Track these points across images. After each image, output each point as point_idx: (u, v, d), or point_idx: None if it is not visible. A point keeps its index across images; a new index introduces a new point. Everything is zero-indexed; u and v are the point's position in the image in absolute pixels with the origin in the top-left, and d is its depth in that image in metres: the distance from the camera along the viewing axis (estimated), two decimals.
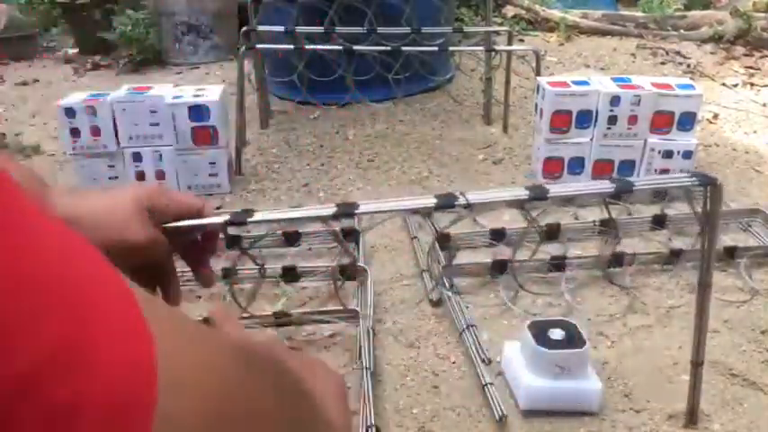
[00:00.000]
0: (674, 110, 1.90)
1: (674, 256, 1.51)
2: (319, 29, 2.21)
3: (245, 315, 1.30)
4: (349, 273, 1.47)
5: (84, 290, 0.22)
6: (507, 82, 2.34)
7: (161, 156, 1.97)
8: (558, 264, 1.49)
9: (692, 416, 1.07)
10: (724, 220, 1.53)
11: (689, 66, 3.21)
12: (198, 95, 1.96)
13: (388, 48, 2.20)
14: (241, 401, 0.28)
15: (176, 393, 0.23)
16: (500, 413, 1.07)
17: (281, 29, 2.24)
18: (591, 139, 1.94)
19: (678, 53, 3.39)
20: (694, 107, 1.90)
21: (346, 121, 2.52)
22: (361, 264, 1.49)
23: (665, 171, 1.94)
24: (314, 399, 0.40)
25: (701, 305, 0.97)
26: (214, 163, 1.99)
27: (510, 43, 2.47)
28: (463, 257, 1.54)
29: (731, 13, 3.60)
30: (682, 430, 1.08)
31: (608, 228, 1.57)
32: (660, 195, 1.79)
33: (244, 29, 2.33)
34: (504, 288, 1.45)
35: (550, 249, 1.55)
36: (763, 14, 3.60)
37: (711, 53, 3.39)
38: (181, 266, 0.70)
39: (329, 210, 0.78)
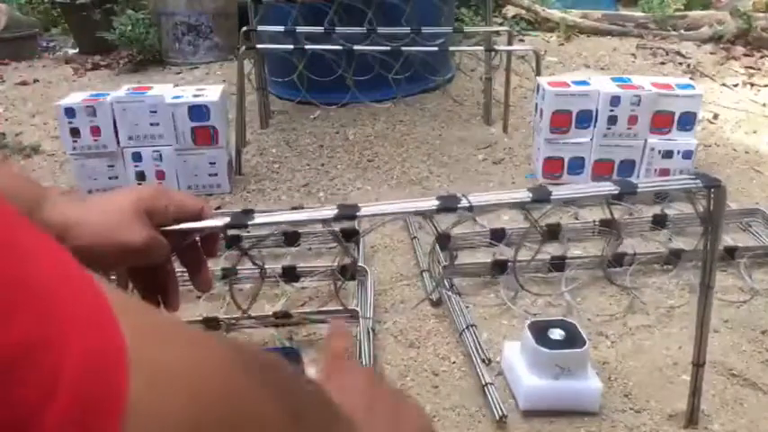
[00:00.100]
0: (674, 110, 1.90)
1: (674, 256, 1.51)
2: (319, 29, 2.21)
3: (244, 315, 1.30)
4: (349, 273, 1.47)
5: (51, 289, 0.22)
6: (507, 82, 2.34)
7: (161, 156, 1.97)
8: (558, 264, 1.49)
9: (693, 416, 1.07)
10: (724, 220, 1.52)
11: (689, 66, 3.21)
12: (198, 95, 1.96)
13: (388, 48, 2.20)
14: (239, 411, 0.28)
15: (153, 391, 0.23)
16: (500, 413, 1.07)
17: (281, 29, 2.24)
18: (591, 139, 1.94)
19: (678, 53, 3.39)
20: (694, 107, 1.90)
21: (346, 121, 2.52)
22: (361, 264, 1.49)
23: (665, 171, 1.94)
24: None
25: (703, 307, 0.96)
26: (214, 163, 1.99)
27: (510, 43, 2.47)
28: (463, 257, 1.54)
29: (731, 13, 3.60)
30: (682, 430, 1.08)
31: (610, 228, 1.57)
32: (661, 196, 1.79)
33: (244, 29, 2.34)
34: (504, 288, 1.45)
35: (550, 249, 1.55)
36: (763, 14, 3.60)
37: (711, 53, 3.39)
38: (180, 266, 0.70)
39: (330, 212, 0.77)
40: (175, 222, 0.62)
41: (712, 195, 0.88)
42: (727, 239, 1.61)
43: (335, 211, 0.77)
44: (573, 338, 1.09)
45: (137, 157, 1.97)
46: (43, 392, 0.20)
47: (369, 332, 1.26)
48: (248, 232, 1.53)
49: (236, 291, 1.37)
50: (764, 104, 2.68)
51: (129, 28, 3.55)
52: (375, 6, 2.30)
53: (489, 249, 1.61)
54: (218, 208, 1.90)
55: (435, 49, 2.29)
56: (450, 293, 1.40)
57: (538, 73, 2.23)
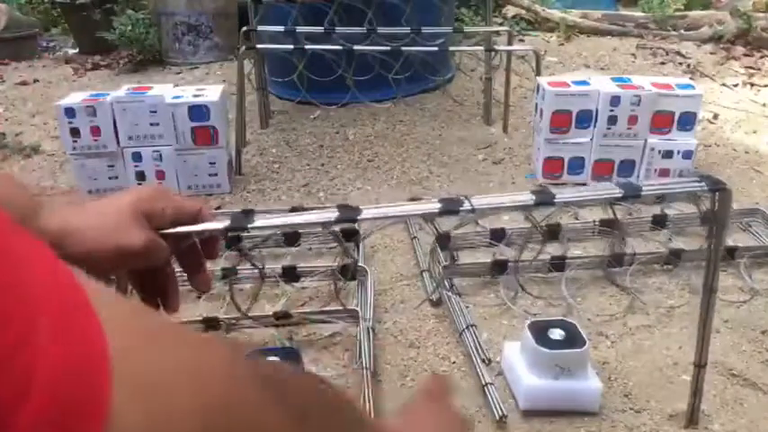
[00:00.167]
0: (674, 110, 1.90)
1: (674, 256, 1.51)
2: (319, 29, 2.21)
3: (244, 316, 1.30)
4: (350, 273, 1.47)
5: (40, 295, 0.22)
6: (507, 82, 2.34)
7: (161, 156, 1.97)
8: (558, 264, 1.49)
9: (693, 416, 1.07)
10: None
11: (689, 66, 3.21)
12: (198, 95, 1.96)
13: (388, 48, 2.20)
14: (239, 420, 0.28)
15: (140, 401, 0.23)
16: (500, 413, 1.07)
17: (281, 29, 2.24)
18: (591, 139, 1.94)
19: (678, 53, 3.39)
20: (694, 107, 1.90)
21: (346, 121, 2.52)
22: (361, 264, 1.49)
23: (665, 171, 1.94)
24: None
25: (706, 308, 0.96)
26: (214, 163, 1.99)
27: (510, 43, 2.47)
28: (463, 257, 1.54)
29: (731, 13, 3.60)
30: (682, 430, 1.08)
31: (611, 228, 1.57)
32: (661, 196, 1.79)
33: (244, 29, 2.34)
34: (504, 288, 1.45)
35: (550, 249, 1.55)
36: (763, 14, 3.60)
37: (711, 53, 3.39)
38: (179, 267, 0.70)
39: (331, 215, 0.76)
40: (174, 224, 0.62)
41: (717, 198, 0.88)
42: (728, 239, 1.61)
43: (337, 214, 0.76)
44: (573, 338, 1.09)
45: (137, 157, 1.97)
46: (16, 392, 0.20)
47: (369, 332, 1.25)
48: (248, 232, 1.53)
49: (236, 291, 1.37)
50: (764, 104, 2.68)
51: (129, 28, 3.55)
52: (375, 6, 2.30)
53: (489, 249, 1.61)
54: (218, 208, 1.90)
55: (435, 49, 2.29)
56: (450, 293, 1.40)
57: (538, 73, 2.23)
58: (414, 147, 2.30)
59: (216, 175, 2.00)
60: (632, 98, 1.88)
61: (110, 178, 1.99)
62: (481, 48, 2.45)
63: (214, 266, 1.44)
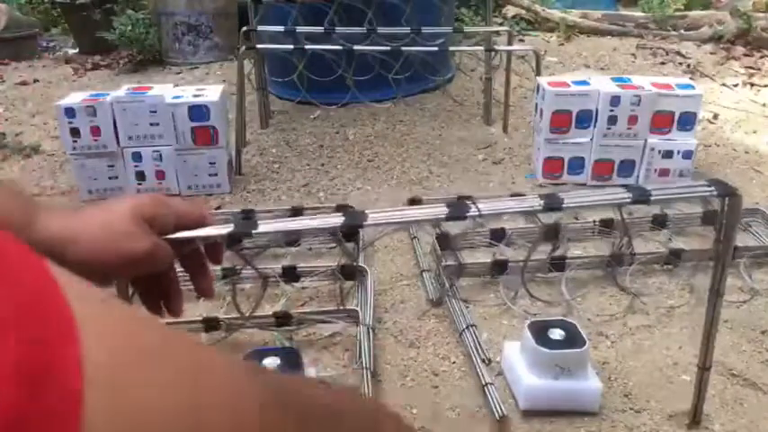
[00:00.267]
0: (674, 110, 1.90)
1: (674, 256, 1.51)
2: (319, 29, 2.21)
3: (245, 318, 1.30)
4: (349, 273, 1.47)
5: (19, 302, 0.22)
6: (507, 82, 2.34)
7: (161, 156, 1.97)
8: (558, 264, 1.49)
9: (696, 418, 1.07)
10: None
11: (689, 66, 3.21)
12: (198, 95, 1.96)
13: (388, 48, 2.20)
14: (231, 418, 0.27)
15: (113, 393, 0.23)
16: (500, 413, 1.07)
17: (281, 29, 2.24)
18: (591, 139, 1.94)
19: (678, 53, 3.39)
20: (694, 107, 1.90)
21: (346, 121, 2.52)
22: (361, 264, 1.49)
23: (665, 171, 1.94)
24: None
25: (712, 312, 0.96)
26: (214, 163, 1.99)
27: (510, 43, 2.47)
28: (463, 257, 1.54)
29: (731, 13, 3.60)
30: (682, 430, 1.08)
31: (617, 231, 1.56)
32: None
33: (244, 29, 2.34)
34: (503, 288, 1.45)
35: (550, 249, 1.55)
36: (763, 14, 3.60)
37: (711, 53, 3.39)
38: (180, 268, 0.70)
39: (336, 221, 0.76)
40: (177, 230, 0.62)
41: (727, 203, 0.87)
42: None
43: (342, 219, 0.75)
44: (573, 338, 1.09)
45: (137, 157, 1.97)
46: None
47: (369, 332, 1.25)
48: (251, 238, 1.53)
49: (236, 291, 1.37)
50: (764, 104, 2.68)
51: (129, 28, 3.55)
52: (375, 6, 2.30)
53: (489, 249, 1.61)
54: (218, 208, 1.90)
55: (435, 49, 2.29)
56: (450, 293, 1.40)
57: (538, 73, 2.23)
58: (414, 147, 2.30)
59: (216, 175, 2.00)
60: (632, 98, 1.88)
61: (110, 178, 1.99)
62: (481, 48, 2.45)
63: (214, 267, 1.43)
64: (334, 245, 1.65)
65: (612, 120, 1.90)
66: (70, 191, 2.07)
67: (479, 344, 1.24)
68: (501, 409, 1.08)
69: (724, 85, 2.94)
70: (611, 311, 1.38)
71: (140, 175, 1.99)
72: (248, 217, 1.73)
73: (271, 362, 1.04)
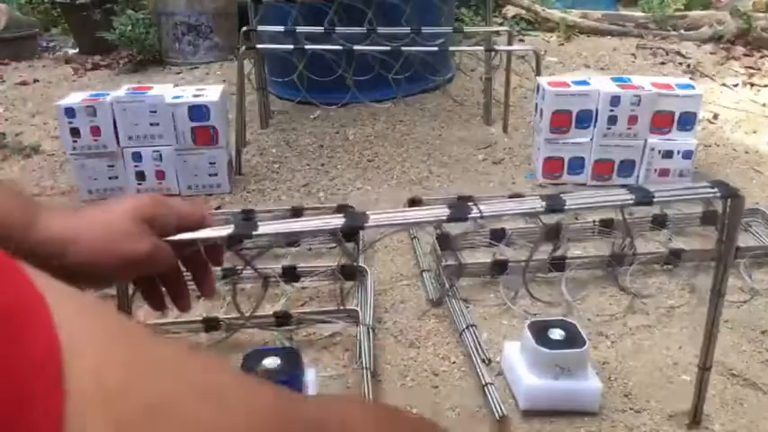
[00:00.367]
0: (674, 110, 1.90)
1: (674, 256, 1.51)
2: (319, 29, 2.21)
3: (245, 318, 1.30)
4: (349, 273, 1.47)
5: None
6: (507, 82, 2.34)
7: (161, 156, 1.97)
8: (558, 264, 1.49)
9: (696, 418, 1.07)
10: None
11: (689, 66, 3.21)
12: (198, 95, 1.96)
13: (388, 48, 2.20)
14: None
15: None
16: (500, 413, 1.07)
17: (281, 29, 2.24)
18: (591, 139, 1.94)
19: (678, 53, 3.39)
20: (694, 107, 1.90)
21: (346, 121, 2.52)
22: (361, 264, 1.49)
23: (665, 171, 1.94)
24: None
25: (713, 312, 0.96)
26: (214, 163, 1.99)
27: (510, 43, 2.47)
28: (463, 257, 1.54)
29: (731, 13, 3.60)
30: (682, 430, 1.08)
31: (619, 231, 1.56)
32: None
33: (244, 29, 2.34)
34: (503, 288, 1.45)
35: (550, 249, 1.55)
36: (763, 14, 3.60)
37: (711, 53, 3.39)
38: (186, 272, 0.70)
39: (336, 222, 0.75)
40: (178, 231, 0.62)
41: (729, 205, 0.87)
42: None
43: (343, 221, 0.75)
44: (573, 338, 1.09)
45: (137, 157, 1.97)
46: None
47: (369, 332, 1.25)
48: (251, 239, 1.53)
49: (236, 291, 1.37)
50: (764, 104, 2.68)
51: (129, 28, 3.55)
52: (375, 6, 2.30)
53: (489, 249, 1.61)
54: (218, 208, 1.90)
55: (435, 49, 2.29)
56: (450, 293, 1.40)
57: (538, 73, 2.23)
58: (414, 147, 2.30)
59: (216, 175, 2.00)
60: (632, 98, 1.88)
61: (110, 178, 1.99)
62: (481, 48, 2.45)
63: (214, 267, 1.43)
64: (334, 245, 1.65)
65: (612, 120, 1.90)
66: (70, 191, 2.07)
67: (479, 344, 1.24)
68: (501, 409, 1.08)
69: (724, 85, 2.94)
70: (611, 311, 1.38)
71: (140, 175, 1.99)
72: (248, 217, 1.73)
73: (271, 362, 1.04)
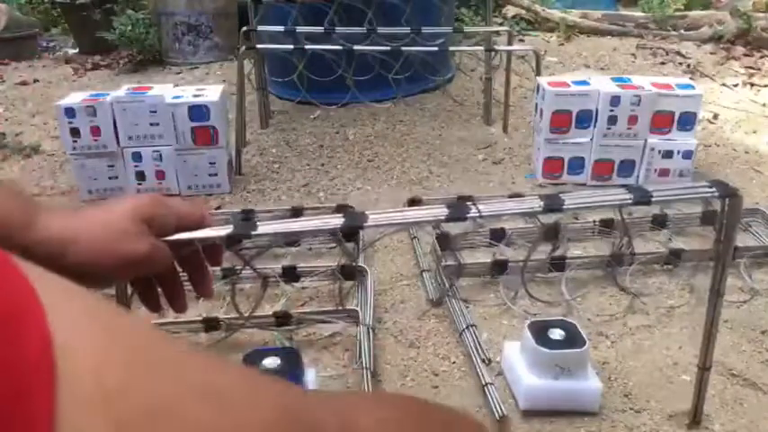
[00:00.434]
0: (674, 110, 1.90)
1: (674, 256, 1.51)
2: (319, 29, 2.21)
3: (245, 319, 1.30)
4: (349, 273, 1.47)
5: None
6: (507, 82, 2.34)
7: (161, 156, 1.97)
8: (558, 264, 1.49)
9: (696, 418, 1.07)
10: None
11: (689, 66, 3.21)
12: (198, 95, 1.96)
13: (388, 48, 2.20)
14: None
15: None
16: (500, 413, 1.07)
17: (281, 29, 2.24)
18: (591, 139, 1.94)
19: (678, 53, 3.39)
20: (694, 107, 1.90)
21: (346, 121, 2.52)
22: (361, 264, 1.49)
23: (665, 171, 1.94)
24: None
25: (713, 312, 0.96)
26: (214, 163, 1.99)
27: (510, 43, 2.47)
28: (463, 257, 1.54)
29: (731, 13, 3.60)
30: (682, 430, 1.08)
31: (619, 230, 1.56)
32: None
33: (244, 29, 2.34)
34: (503, 288, 1.45)
35: (549, 248, 1.55)
36: (763, 14, 3.60)
37: (711, 53, 3.39)
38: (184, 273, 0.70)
39: (336, 222, 0.75)
40: (177, 231, 0.62)
41: (727, 204, 0.87)
42: None
43: (342, 221, 0.75)
44: (573, 338, 1.09)
45: (137, 157, 1.97)
46: None
47: (369, 332, 1.25)
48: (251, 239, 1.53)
49: (236, 291, 1.37)
50: (764, 104, 2.68)
51: (129, 28, 3.55)
52: (375, 6, 2.30)
53: (489, 249, 1.61)
54: (218, 208, 1.90)
55: (435, 49, 2.29)
56: (450, 293, 1.40)
57: (538, 73, 2.23)
58: (414, 147, 2.30)
59: (216, 175, 2.00)
60: (632, 98, 1.88)
61: (110, 178, 1.99)
62: (481, 48, 2.45)
63: (214, 267, 1.43)
64: (334, 245, 1.65)
65: (612, 120, 1.90)
66: (70, 191, 2.07)
67: (479, 344, 1.24)
68: (501, 409, 1.08)
69: (724, 85, 2.94)
70: (611, 311, 1.38)
71: (140, 175, 1.99)
72: (248, 217, 1.73)
73: (271, 362, 1.04)
